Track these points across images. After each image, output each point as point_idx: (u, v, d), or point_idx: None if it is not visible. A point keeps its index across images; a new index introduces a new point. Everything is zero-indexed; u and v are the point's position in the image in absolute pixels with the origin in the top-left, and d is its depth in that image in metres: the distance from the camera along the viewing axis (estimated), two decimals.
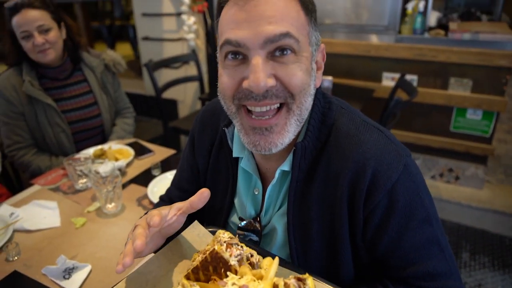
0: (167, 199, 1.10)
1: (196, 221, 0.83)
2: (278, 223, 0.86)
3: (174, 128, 2.96)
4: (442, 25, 2.86)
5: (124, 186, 1.54)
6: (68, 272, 1.11)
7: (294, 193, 0.82)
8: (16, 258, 1.18)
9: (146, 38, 3.79)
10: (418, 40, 2.68)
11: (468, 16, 3.06)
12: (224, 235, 0.71)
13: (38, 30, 1.69)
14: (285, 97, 0.73)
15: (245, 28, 0.69)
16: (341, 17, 2.94)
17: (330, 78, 2.62)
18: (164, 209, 0.74)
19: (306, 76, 0.73)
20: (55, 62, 1.82)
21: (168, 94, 3.45)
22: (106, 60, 2.02)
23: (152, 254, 0.77)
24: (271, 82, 0.70)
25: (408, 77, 2.76)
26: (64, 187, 1.55)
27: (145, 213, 0.85)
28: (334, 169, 0.78)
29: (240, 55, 0.72)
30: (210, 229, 0.84)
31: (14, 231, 1.29)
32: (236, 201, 0.94)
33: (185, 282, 0.63)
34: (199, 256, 0.70)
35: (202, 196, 0.75)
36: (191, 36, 3.37)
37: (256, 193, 0.90)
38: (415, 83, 2.77)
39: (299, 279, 0.60)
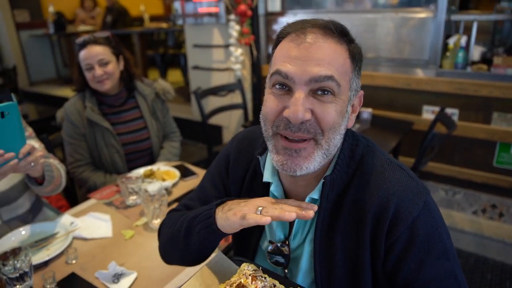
0: (184, 209, 1.13)
1: (220, 252, 0.92)
2: (305, 249, 0.94)
3: (218, 152, 3.11)
4: (487, 59, 2.85)
5: (169, 204, 1.69)
6: (117, 277, 1.25)
7: (321, 222, 0.89)
8: (74, 261, 1.35)
9: (196, 67, 4.05)
10: (459, 74, 2.69)
11: None
12: (248, 267, 0.80)
13: (98, 63, 1.94)
14: (315, 133, 0.81)
15: (296, 65, 0.78)
16: (383, 51, 3.01)
17: (369, 110, 2.68)
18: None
19: (338, 117, 0.82)
20: (112, 90, 2.05)
21: (213, 120, 3.64)
22: (157, 89, 2.24)
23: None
24: (308, 116, 0.79)
25: (449, 110, 2.76)
26: (117, 202, 1.73)
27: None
28: (359, 202, 0.86)
29: (286, 86, 0.81)
30: (235, 258, 0.93)
31: (73, 238, 1.46)
32: (266, 226, 1.02)
33: None
34: None
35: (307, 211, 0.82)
36: (237, 66, 3.58)
37: None
38: (456, 117, 2.76)
39: None
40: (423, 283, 0.83)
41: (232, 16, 3.46)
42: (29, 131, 1.62)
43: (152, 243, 1.43)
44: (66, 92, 6.03)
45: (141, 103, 2.17)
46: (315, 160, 0.83)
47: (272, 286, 0.77)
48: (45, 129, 3.38)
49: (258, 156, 0.99)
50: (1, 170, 1.22)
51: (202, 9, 3.65)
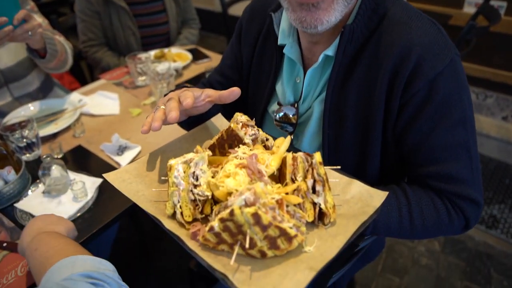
0: (207, 84, 1.16)
1: (219, 114, 0.87)
2: (315, 110, 0.88)
3: None
4: None
5: (179, 85, 1.63)
6: (121, 150, 1.25)
7: (335, 78, 0.82)
8: (81, 135, 1.36)
9: None
10: None
11: None
12: (241, 117, 0.75)
13: None
14: None
15: None
16: None
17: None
18: (197, 92, 0.79)
19: None
20: None
21: (234, 11, 3.42)
22: None
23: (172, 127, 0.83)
24: None
25: (495, 3, 2.44)
26: (126, 82, 1.69)
27: (181, 87, 0.91)
28: (379, 55, 0.77)
29: None
30: None
31: (81, 114, 1.46)
32: (277, 87, 0.97)
33: (199, 148, 0.70)
34: (214, 137, 0.75)
35: (232, 93, 0.77)
36: None
37: (298, 81, 0.92)
38: (502, 11, 2.45)
39: (307, 154, 0.63)
40: (432, 149, 0.76)
41: None
42: (30, 4, 1.54)
43: None
44: None
45: None
46: (336, 11, 0.74)
47: (265, 139, 0.72)
48: (56, 12, 3.29)
49: (271, 13, 0.90)
50: None
51: None
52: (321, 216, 0.62)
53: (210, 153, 0.66)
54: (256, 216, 0.51)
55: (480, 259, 2.05)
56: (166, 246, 2.06)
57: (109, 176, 0.70)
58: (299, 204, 0.59)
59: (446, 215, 0.77)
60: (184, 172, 0.62)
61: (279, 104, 0.95)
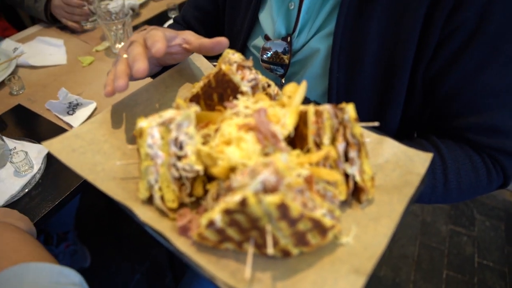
0: (181, 21, 0.93)
1: (196, 53, 0.65)
2: (318, 47, 0.68)
3: None
4: None
5: (136, 27, 1.38)
6: (72, 108, 1.02)
7: (349, 3, 0.62)
8: (20, 92, 1.10)
9: None
10: None
11: None
12: (234, 55, 0.54)
13: None
14: None
15: None
16: None
17: None
18: (170, 33, 0.57)
19: None
20: None
21: None
22: None
23: (143, 83, 0.62)
24: None
25: None
26: (72, 26, 1.40)
27: (144, 29, 0.68)
28: None
29: None
30: (215, 64, 0.66)
31: (18, 66, 1.19)
32: (262, 16, 0.75)
33: (180, 101, 0.49)
34: (197, 84, 0.55)
35: (218, 44, 0.55)
36: None
37: (291, 7, 0.70)
38: None
39: (336, 107, 0.45)
40: (476, 93, 0.60)
41: None
42: None
43: None
44: None
45: None
46: None
47: (266, 85, 0.52)
48: None
49: None
50: None
51: None
52: (356, 192, 0.44)
53: (198, 108, 0.46)
54: (282, 208, 0.33)
55: (463, 202, 2.02)
56: None
57: (52, 145, 0.49)
58: (332, 181, 0.41)
59: (486, 175, 0.62)
60: (162, 138, 0.43)
61: (267, 37, 0.75)
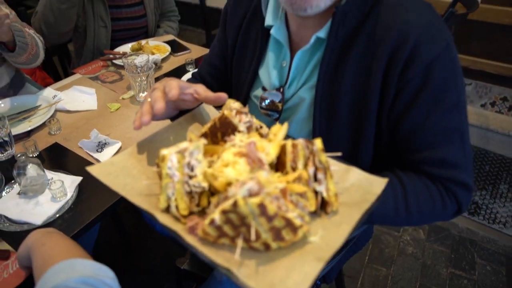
0: (197, 76, 1.12)
1: (204, 103, 0.81)
2: (304, 97, 0.85)
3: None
4: None
5: (158, 79, 1.58)
6: (100, 147, 1.19)
7: (327, 63, 0.79)
8: (57, 132, 1.28)
9: None
10: None
11: None
12: (234, 104, 0.70)
13: None
14: None
15: None
16: None
17: None
18: (184, 84, 0.75)
19: None
20: None
21: (212, 2, 3.36)
22: None
23: (164, 125, 0.79)
24: None
25: None
26: (102, 77, 1.62)
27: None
28: (375, 39, 0.74)
29: None
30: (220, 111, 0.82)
31: (56, 110, 1.39)
32: (261, 72, 0.93)
33: (193, 136, 0.65)
34: (206, 125, 0.70)
35: (218, 98, 0.72)
36: None
37: (284, 65, 0.88)
38: None
39: (307, 141, 0.60)
40: (427, 133, 0.75)
41: None
42: None
43: None
44: None
45: None
46: None
47: (259, 127, 0.68)
48: (23, 4, 3.14)
49: None
50: None
51: None
52: (323, 205, 0.58)
53: (205, 141, 0.61)
54: (261, 207, 0.47)
55: (464, 246, 2.07)
56: (150, 245, 2.00)
57: (93, 170, 0.65)
58: (302, 193, 0.55)
59: (440, 200, 0.76)
60: (178, 162, 0.58)
61: (264, 89, 0.92)
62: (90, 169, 0.65)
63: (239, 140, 0.60)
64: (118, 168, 0.67)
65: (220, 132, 0.67)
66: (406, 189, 0.74)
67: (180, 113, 0.82)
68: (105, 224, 2.02)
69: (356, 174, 0.64)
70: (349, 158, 0.80)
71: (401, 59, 0.71)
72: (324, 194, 0.57)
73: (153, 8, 1.98)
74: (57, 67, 2.18)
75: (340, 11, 0.74)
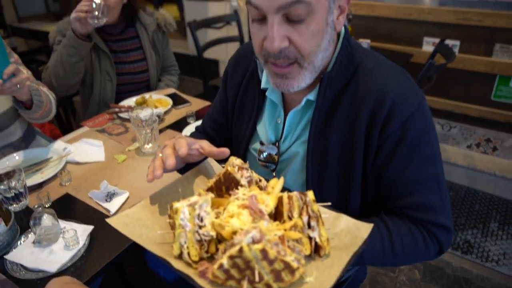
0: (201, 129, 1.24)
1: (210, 158, 0.91)
2: (297, 151, 0.96)
3: (213, 86, 3.07)
4: None
5: (161, 131, 1.69)
6: (109, 196, 1.27)
7: (317, 121, 0.90)
8: (68, 183, 1.37)
9: None
10: (463, 3, 2.58)
11: None
12: (236, 160, 0.80)
13: None
14: (296, 58, 0.80)
15: None
16: None
17: (368, 41, 2.61)
18: (191, 140, 0.85)
19: (317, 38, 0.79)
20: (110, 21, 1.91)
21: (210, 54, 3.55)
22: (158, 20, 2.13)
23: (171, 176, 0.89)
24: (285, 43, 0.77)
25: (450, 42, 2.67)
26: (109, 129, 1.72)
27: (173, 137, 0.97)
28: (357, 101, 0.86)
29: (262, 15, 0.78)
30: (223, 165, 0.93)
31: (66, 162, 1.48)
32: (259, 128, 1.04)
33: (201, 191, 0.74)
34: (211, 180, 0.80)
35: (221, 153, 0.85)
36: None
37: (279, 122, 1.00)
38: (456, 49, 2.68)
39: (301, 193, 0.69)
40: (407, 182, 0.84)
41: None
42: (14, 57, 1.57)
43: (144, 166, 1.44)
44: None
45: (141, 33, 2.08)
46: (304, 80, 0.85)
47: (258, 180, 0.77)
48: (35, 61, 3.32)
49: (256, 59, 0.99)
50: None
51: None
52: (317, 249, 0.67)
53: (213, 195, 0.71)
54: (263, 252, 0.55)
55: (459, 285, 2.12)
56: None
57: (112, 221, 0.74)
58: (297, 239, 0.64)
59: (423, 241, 0.85)
60: (190, 214, 0.67)
61: (262, 143, 1.02)
62: (109, 220, 0.74)
63: (242, 193, 0.70)
64: (133, 220, 0.76)
65: (224, 186, 0.77)
66: (391, 232, 0.83)
67: (186, 165, 0.92)
68: (109, 274, 2.04)
69: (345, 221, 0.73)
70: (339, 205, 0.90)
71: (381, 117, 0.83)
72: (317, 240, 0.66)
73: (155, 63, 2.14)
74: (63, 118, 2.30)
75: (326, 77, 0.87)
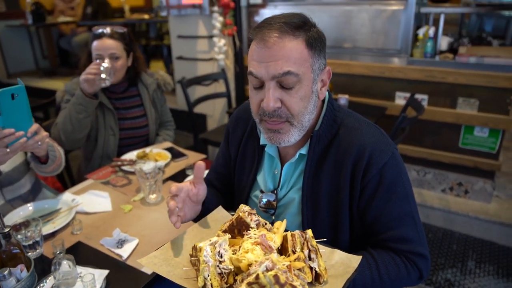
0: (207, 181, 1.37)
1: (220, 206, 1.09)
2: (293, 197, 1.12)
3: (203, 139, 3.25)
4: (454, 49, 3.08)
5: (163, 182, 1.83)
6: (120, 243, 1.39)
7: (309, 172, 1.08)
8: (79, 232, 1.48)
9: (180, 58, 4.15)
10: (428, 63, 2.90)
11: (479, 41, 3.26)
12: (245, 207, 0.97)
13: (109, 56, 2.03)
14: (287, 117, 1.00)
15: (261, 66, 0.97)
16: (359, 42, 3.20)
17: (346, 96, 2.87)
18: (182, 183, 1.03)
19: (304, 102, 1.00)
20: (114, 81, 2.11)
21: (198, 109, 3.77)
22: (158, 80, 2.36)
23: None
24: (278, 104, 0.98)
25: (419, 96, 2.97)
26: (113, 181, 1.86)
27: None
28: (341, 153, 1.04)
29: (260, 83, 1.00)
30: (231, 213, 1.10)
31: (76, 212, 1.59)
32: (259, 178, 1.21)
33: (220, 232, 0.90)
34: (226, 223, 0.96)
35: (198, 168, 1.04)
36: (221, 56, 3.71)
37: (276, 172, 1.17)
38: (425, 102, 2.98)
39: (302, 232, 0.85)
40: (387, 218, 1.01)
41: (216, 8, 3.58)
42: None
43: (149, 215, 1.57)
44: (47, 83, 6.01)
45: (143, 92, 2.29)
46: (293, 136, 1.03)
47: (264, 223, 0.93)
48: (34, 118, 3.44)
49: (255, 119, 1.15)
50: (12, 147, 1.33)
51: (186, 1, 3.75)
52: (316, 277, 0.82)
53: (229, 236, 0.86)
54: (276, 277, 0.70)
55: None
56: None
57: (143, 261, 0.87)
58: (301, 268, 0.79)
59: (404, 268, 1.00)
60: (211, 251, 0.81)
61: (262, 191, 1.19)
62: (140, 260, 0.88)
63: (253, 233, 0.85)
64: (160, 260, 0.90)
65: (236, 229, 0.93)
66: (377, 262, 0.99)
67: (203, 205, 1.11)
68: None
69: (338, 254, 0.89)
70: (331, 241, 1.06)
71: (361, 166, 1.01)
72: (317, 269, 0.81)
73: (154, 119, 2.32)
74: (63, 172, 2.41)
75: (315, 134, 1.06)
